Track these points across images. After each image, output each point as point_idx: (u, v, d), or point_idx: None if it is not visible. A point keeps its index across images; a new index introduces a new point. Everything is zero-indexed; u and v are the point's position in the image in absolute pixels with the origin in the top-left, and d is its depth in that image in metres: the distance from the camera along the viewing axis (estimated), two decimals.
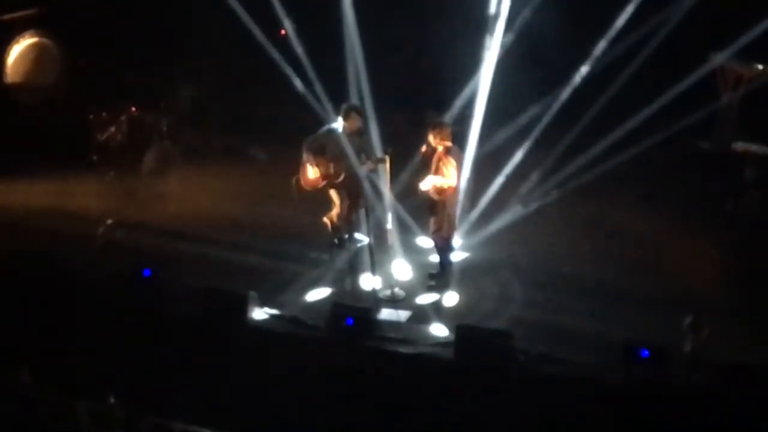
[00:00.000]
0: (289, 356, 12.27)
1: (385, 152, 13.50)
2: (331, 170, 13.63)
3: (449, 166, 13.03)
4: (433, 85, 18.74)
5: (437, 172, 13.13)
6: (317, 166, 13.59)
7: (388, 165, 13.29)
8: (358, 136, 13.73)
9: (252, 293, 12.85)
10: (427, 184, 13.15)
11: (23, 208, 16.22)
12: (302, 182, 13.75)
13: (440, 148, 13.10)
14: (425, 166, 13.32)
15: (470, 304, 13.39)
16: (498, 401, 11.28)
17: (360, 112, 14.00)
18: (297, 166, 13.76)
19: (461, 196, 13.97)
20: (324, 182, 13.73)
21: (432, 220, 13.48)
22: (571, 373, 11.40)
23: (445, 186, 13.08)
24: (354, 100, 16.26)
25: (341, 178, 13.71)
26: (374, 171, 13.90)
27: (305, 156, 13.59)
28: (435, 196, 13.24)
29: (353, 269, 14.09)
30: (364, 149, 13.74)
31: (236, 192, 16.94)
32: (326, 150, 13.64)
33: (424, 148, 13.33)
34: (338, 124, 13.73)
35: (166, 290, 13.31)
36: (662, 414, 10.89)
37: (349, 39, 17.70)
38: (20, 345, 12.49)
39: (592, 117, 16.81)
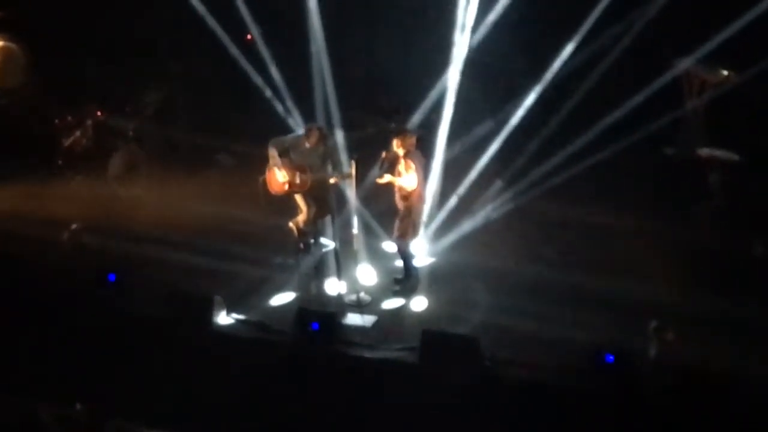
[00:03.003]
0: (253, 361, 12.24)
1: (351, 158, 13.50)
2: (297, 179, 13.57)
3: (410, 171, 13.10)
4: (400, 91, 18.77)
5: (399, 176, 13.21)
6: (283, 169, 13.55)
7: (353, 170, 13.30)
8: (324, 145, 13.68)
9: (217, 297, 12.84)
10: (385, 179, 13.29)
11: None
12: (268, 186, 13.72)
13: (401, 152, 13.16)
14: (387, 171, 13.35)
15: (436, 309, 13.39)
16: (463, 407, 11.27)
17: (321, 129, 13.92)
18: (263, 168, 13.74)
19: (427, 203, 14.01)
20: (289, 189, 13.70)
21: (396, 226, 13.52)
22: (537, 378, 11.43)
23: (408, 188, 13.14)
24: (319, 104, 16.28)
25: (307, 187, 13.66)
26: (340, 183, 13.91)
27: (271, 156, 13.55)
28: (400, 203, 13.31)
29: (319, 274, 14.09)
30: (330, 157, 13.75)
31: (202, 196, 16.84)
32: (291, 156, 13.59)
33: (384, 154, 13.36)
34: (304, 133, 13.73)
35: (132, 294, 13.27)
36: (627, 418, 10.92)
37: (315, 43, 17.71)
38: None
39: (558, 122, 16.88)
